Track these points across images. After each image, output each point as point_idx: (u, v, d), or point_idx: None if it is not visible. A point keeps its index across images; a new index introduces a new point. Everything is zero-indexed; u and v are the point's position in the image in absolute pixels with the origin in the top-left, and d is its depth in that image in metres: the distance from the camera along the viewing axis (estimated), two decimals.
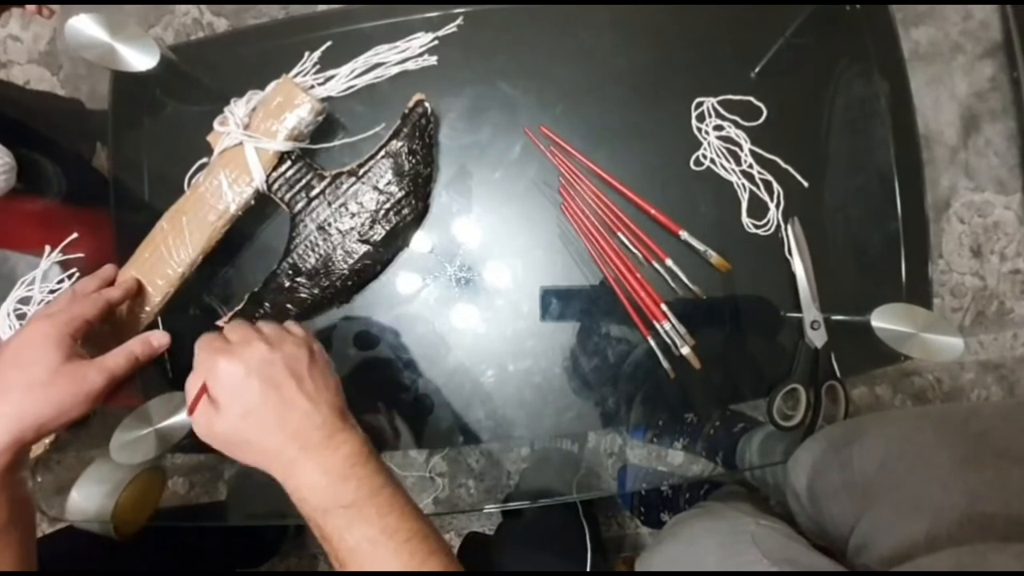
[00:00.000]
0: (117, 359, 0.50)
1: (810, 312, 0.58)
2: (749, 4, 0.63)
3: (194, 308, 0.61)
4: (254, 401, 0.42)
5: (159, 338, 0.54)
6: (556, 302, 0.61)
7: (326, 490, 0.40)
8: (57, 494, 0.61)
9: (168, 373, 0.63)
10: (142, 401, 0.59)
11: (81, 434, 0.69)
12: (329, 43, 0.62)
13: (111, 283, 0.56)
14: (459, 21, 0.62)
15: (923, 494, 0.44)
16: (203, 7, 0.93)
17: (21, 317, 0.60)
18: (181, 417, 0.59)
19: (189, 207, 0.57)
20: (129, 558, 0.65)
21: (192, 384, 0.44)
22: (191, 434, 0.59)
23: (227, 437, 0.42)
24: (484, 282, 0.61)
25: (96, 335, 0.53)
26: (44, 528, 0.64)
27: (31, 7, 0.63)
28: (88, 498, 0.59)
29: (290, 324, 0.48)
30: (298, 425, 0.42)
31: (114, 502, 0.58)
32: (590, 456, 0.70)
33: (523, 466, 0.85)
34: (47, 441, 0.59)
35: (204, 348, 0.44)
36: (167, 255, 0.56)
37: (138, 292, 0.57)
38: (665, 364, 0.58)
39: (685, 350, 0.57)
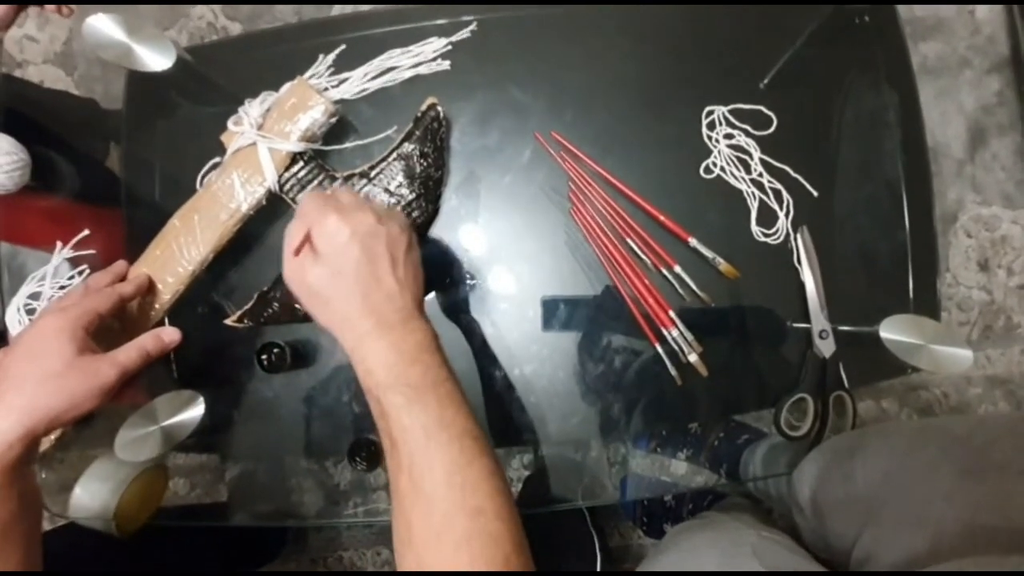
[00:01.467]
0: (129, 353, 0.50)
1: (818, 321, 0.58)
2: (766, 4, 0.64)
3: (203, 307, 0.62)
4: (349, 266, 0.42)
5: (170, 334, 0.54)
6: (562, 308, 0.61)
7: (393, 368, 0.41)
8: (60, 492, 0.61)
9: (173, 371, 0.63)
10: (147, 399, 0.59)
11: (84, 432, 0.69)
12: (343, 46, 0.62)
13: (123, 279, 0.56)
14: (472, 27, 0.62)
15: (926, 507, 0.44)
16: (217, 10, 0.94)
17: (31, 312, 0.61)
18: (186, 414, 0.59)
19: (201, 205, 0.57)
20: (130, 556, 0.65)
21: (295, 230, 0.44)
22: (194, 434, 0.59)
23: (314, 288, 0.43)
24: (491, 286, 0.61)
25: (106, 331, 0.53)
26: (45, 525, 0.64)
27: (50, 6, 0.64)
28: (92, 495, 0.59)
29: (397, 211, 0.50)
30: (380, 302, 0.43)
31: (117, 499, 0.58)
32: (594, 464, 0.69)
33: (526, 473, 0.85)
34: (52, 436, 0.59)
35: (315, 200, 0.45)
36: (178, 253, 0.57)
37: (149, 289, 0.57)
38: (672, 371, 0.58)
39: (692, 357, 0.57)
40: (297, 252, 0.44)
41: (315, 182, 0.58)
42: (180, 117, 0.65)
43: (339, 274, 0.42)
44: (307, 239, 0.44)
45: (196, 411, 0.59)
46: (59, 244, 0.60)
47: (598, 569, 0.57)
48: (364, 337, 0.42)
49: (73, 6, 0.65)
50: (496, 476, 0.40)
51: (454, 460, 0.39)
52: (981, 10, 0.86)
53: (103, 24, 0.58)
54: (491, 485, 0.39)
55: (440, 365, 0.42)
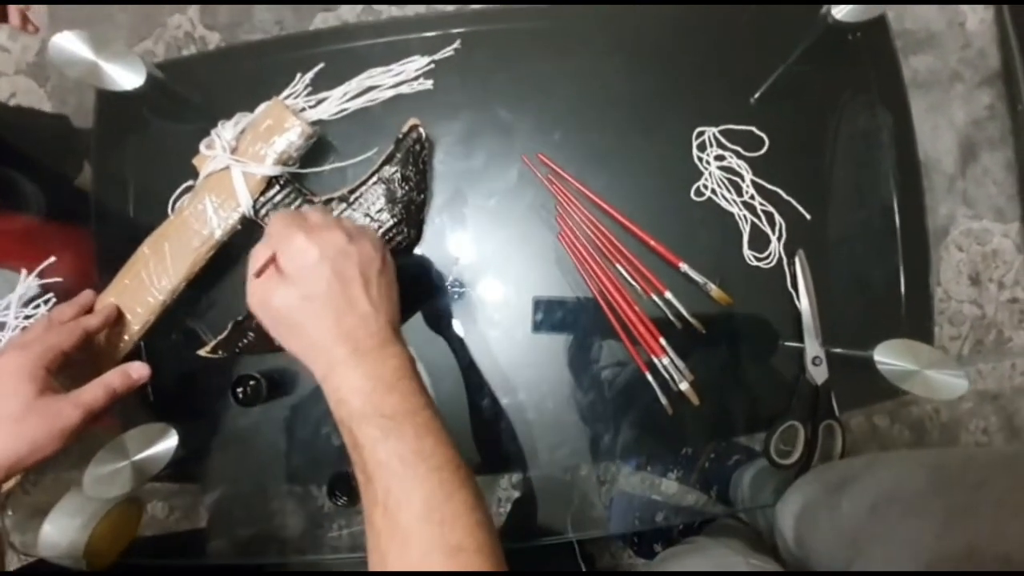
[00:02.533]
0: (95, 392, 0.47)
1: (812, 347, 0.57)
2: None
3: (177, 335, 0.59)
4: (319, 288, 0.40)
5: (139, 370, 0.51)
6: (552, 334, 0.59)
7: (369, 396, 0.38)
8: (28, 528, 0.58)
9: (150, 396, 0.61)
10: (119, 431, 0.57)
11: (56, 461, 0.67)
12: (321, 65, 0.60)
13: (89, 310, 0.54)
14: (456, 44, 0.61)
15: (917, 543, 0.43)
16: (195, 19, 0.91)
17: None
18: (158, 448, 0.57)
19: (172, 232, 0.55)
20: None
21: (260, 253, 0.42)
22: (169, 465, 0.57)
23: (282, 313, 0.41)
24: (477, 311, 0.59)
25: (72, 364, 0.50)
26: (12, 564, 0.62)
27: (15, 21, 0.61)
28: (61, 532, 0.57)
29: (369, 228, 0.48)
30: (354, 326, 0.40)
31: (88, 535, 0.56)
32: (582, 493, 0.68)
33: (515, 495, 0.83)
34: (17, 477, 0.57)
35: (282, 220, 0.42)
36: (148, 282, 0.54)
37: (117, 320, 0.54)
38: (663, 400, 0.56)
39: (684, 386, 0.56)
40: (259, 274, 0.41)
41: (292, 207, 0.56)
42: (152, 137, 0.63)
43: (308, 298, 0.40)
44: (272, 261, 0.41)
45: (168, 444, 0.57)
46: (23, 272, 0.58)
47: None
48: (337, 365, 0.39)
49: (40, 22, 0.63)
50: (477, 510, 0.38)
51: (432, 494, 0.37)
52: (972, 23, 0.85)
53: (69, 42, 0.56)
54: (472, 520, 0.37)
55: (418, 392, 0.40)
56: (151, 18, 0.93)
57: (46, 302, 0.58)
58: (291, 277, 0.40)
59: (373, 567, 0.37)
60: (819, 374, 0.57)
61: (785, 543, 0.57)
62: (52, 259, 0.58)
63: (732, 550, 0.60)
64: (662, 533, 0.84)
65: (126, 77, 0.57)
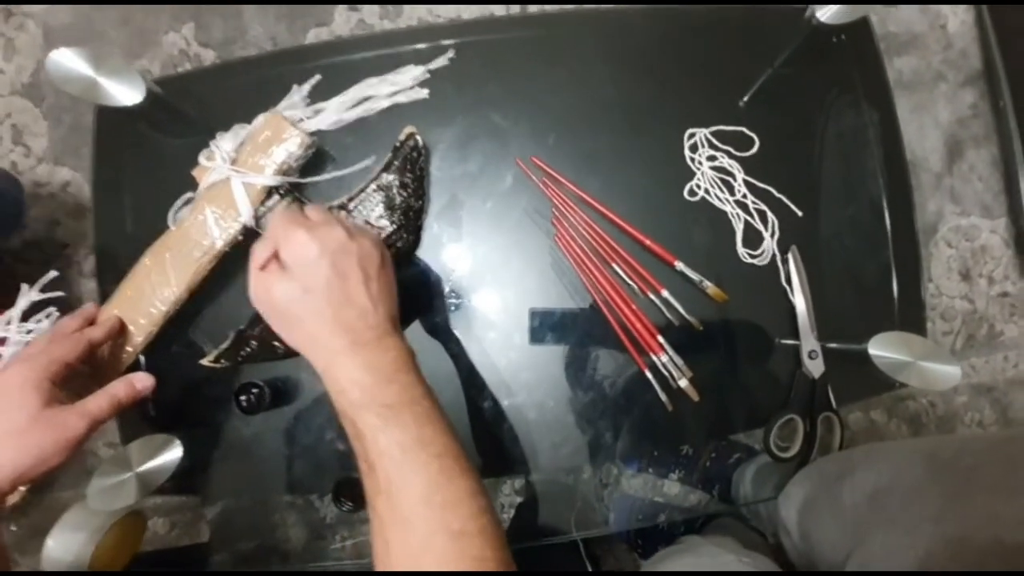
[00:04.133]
0: (99, 403, 0.48)
1: (808, 342, 0.58)
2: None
3: (178, 346, 0.60)
4: (319, 283, 0.41)
5: (143, 380, 0.52)
6: (549, 334, 0.60)
7: (368, 388, 0.39)
8: (31, 543, 0.58)
9: (150, 410, 0.61)
10: (122, 443, 0.57)
11: (60, 477, 0.66)
12: (318, 76, 0.61)
13: (92, 322, 0.54)
14: (450, 53, 0.62)
15: (914, 530, 0.43)
16: (189, 37, 0.92)
17: None
18: (162, 459, 0.57)
19: (173, 243, 0.55)
20: None
21: (261, 247, 0.43)
22: (172, 477, 0.57)
23: (282, 306, 0.42)
24: (475, 315, 0.60)
25: (75, 377, 0.51)
26: None
27: None
28: (64, 546, 0.56)
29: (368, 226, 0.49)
30: (353, 320, 0.41)
31: (92, 549, 0.56)
32: (585, 492, 0.68)
33: (517, 500, 0.83)
34: (23, 489, 0.57)
35: (283, 216, 0.43)
36: (150, 293, 0.55)
37: (120, 331, 0.55)
38: (663, 396, 0.57)
39: (683, 382, 0.56)
40: (262, 268, 0.43)
41: None
42: (151, 151, 0.64)
43: (309, 291, 0.41)
44: (275, 254, 0.42)
45: (173, 455, 0.57)
46: (24, 286, 0.58)
47: None
48: (336, 356, 0.40)
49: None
50: (479, 495, 0.38)
51: (433, 480, 0.37)
52: (953, 24, 0.87)
53: (67, 59, 0.56)
54: (474, 505, 0.38)
55: (416, 384, 0.41)
56: (145, 36, 0.93)
57: (47, 316, 0.59)
58: (292, 271, 0.41)
59: (377, 556, 0.37)
60: (816, 368, 0.58)
61: (789, 537, 0.57)
62: (53, 273, 0.58)
63: (724, 548, 0.60)
64: (665, 534, 0.85)
65: (125, 93, 0.58)
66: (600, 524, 0.68)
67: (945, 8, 0.86)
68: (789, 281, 0.59)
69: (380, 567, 0.37)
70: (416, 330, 0.60)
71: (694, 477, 0.82)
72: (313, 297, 0.41)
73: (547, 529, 0.64)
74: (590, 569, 0.59)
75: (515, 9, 0.74)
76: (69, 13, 0.91)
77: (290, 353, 0.58)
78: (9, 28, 0.90)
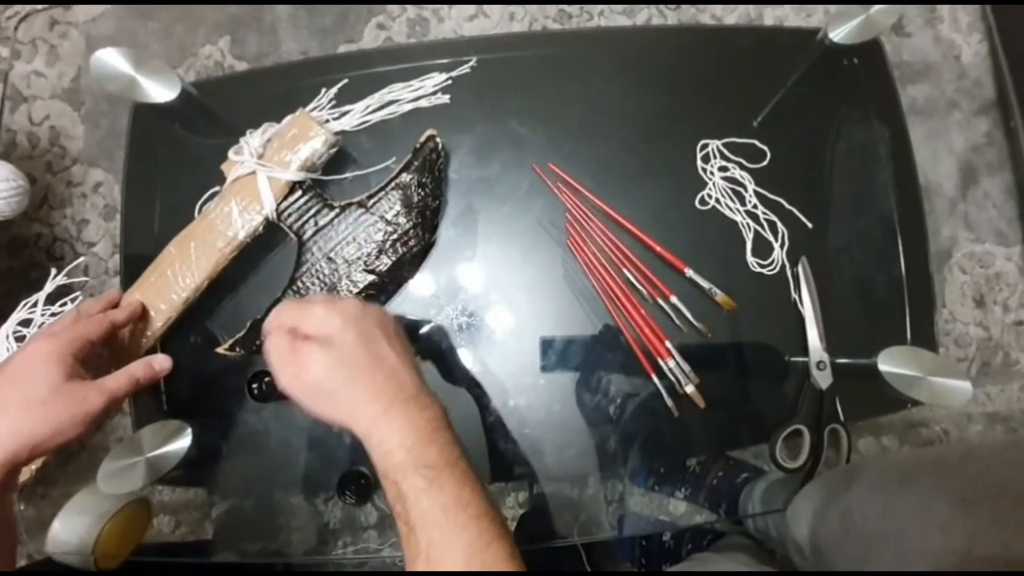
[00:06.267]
0: (118, 381, 0.49)
1: (816, 353, 0.58)
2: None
3: (195, 335, 0.61)
4: (349, 350, 0.41)
5: (161, 362, 0.53)
6: (558, 339, 0.60)
7: (412, 449, 0.39)
8: (39, 526, 0.59)
9: (163, 401, 0.62)
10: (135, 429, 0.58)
11: (68, 468, 0.67)
12: (345, 81, 0.64)
13: (115, 306, 0.56)
14: (472, 63, 0.64)
15: (923, 539, 0.43)
16: (224, 49, 0.96)
17: (20, 339, 0.60)
18: (173, 445, 0.58)
19: (198, 233, 0.57)
20: None
21: (277, 340, 0.43)
22: (179, 466, 0.58)
23: (319, 383, 0.41)
24: (487, 316, 0.61)
25: (95, 358, 0.52)
26: (21, 561, 0.62)
27: None
28: (71, 529, 0.57)
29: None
30: (387, 379, 0.41)
31: (97, 534, 0.56)
32: (590, 502, 0.68)
33: (521, 510, 0.83)
34: (34, 467, 0.58)
35: (289, 305, 0.44)
36: (172, 280, 0.57)
37: (141, 316, 0.56)
38: (669, 402, 0.57)
39: (690, 388, 0.57)
40: (293, 353, 0.42)
41: (313, 210, 0.58)
42: (183, 148, 0.66)
43: (340, 363, 0.41)
44: (299, 336, 0.42)
45: (183, 442, 0.58)
46: (52, 271, 0.60)
47: None
48: (378, 419, 0.40)
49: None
50: (514, 559, 0.39)
51: (473, 543, 0.37)
52: (967, 55, 0.88)
53: (110, 57, 0.60)
54: (511, 567, 0.38)
55: (454, 442, 0.41)
56: (184, 48, 0.98)
57: (72, 300, 0.61)
58: (322, 345, 0.41)
59: None
60: (823, 379, 0.58)
61: (799, 550, 0.56)
62: (81, 259, 0.60)
63: (738, 563, 0.59)
64: (671, 553, 0.83)
65: (161, 91, 0.61)
66: (606, 530, 0.68)
67: (959, 38, 0.88)
68: (798, 291, 0.59)
69: None
70: (425, 331, 0.61)
71: (700, 496, 0.81)
72: (346, 366, 0.41)
73: (550, 536, 0.64)
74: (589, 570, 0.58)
75: (537, 26, 0.77)
76: (112, 23, 0.96)
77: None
78: (53, 36, 0.95)
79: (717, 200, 0.61)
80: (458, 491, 0.39)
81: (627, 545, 0.85)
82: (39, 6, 0.96)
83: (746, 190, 0.61)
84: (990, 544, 0.39)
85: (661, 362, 0.57)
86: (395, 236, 0.58)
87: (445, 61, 0.65)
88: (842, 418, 0.57)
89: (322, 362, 0.41)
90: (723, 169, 0.61)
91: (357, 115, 0.62)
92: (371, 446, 0.41)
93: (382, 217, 0.58)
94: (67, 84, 0.96)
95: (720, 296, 0.58)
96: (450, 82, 0.64)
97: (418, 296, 0.61)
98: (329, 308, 0.42)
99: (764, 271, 0.60)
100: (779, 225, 0.60)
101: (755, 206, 0.60)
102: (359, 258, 0.58)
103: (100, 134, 0.93)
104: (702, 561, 0.65)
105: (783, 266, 0.60)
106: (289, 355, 0.42)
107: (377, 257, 0.58)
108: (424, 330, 0.61)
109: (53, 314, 0.60)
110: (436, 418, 0.41)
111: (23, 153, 0.92)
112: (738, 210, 0.61)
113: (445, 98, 0.63)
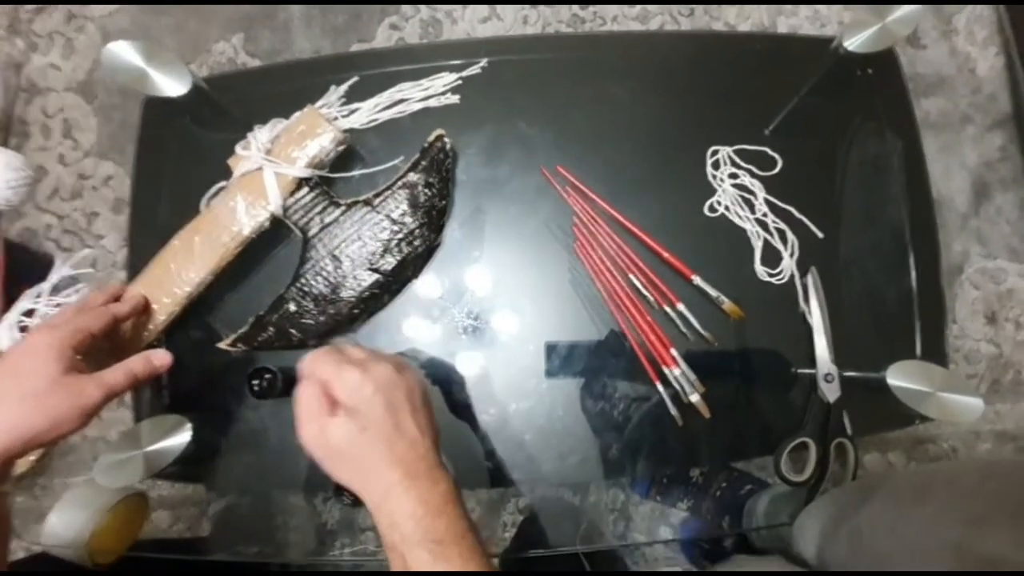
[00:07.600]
0: (116, 375, 0.49)
1: (824, 365, 0.57)
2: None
3: (197, 330, 0.61)
4: (374, 419, 0.41)
5: (161, 357, 0.53)
6: (562, 344, 0.60)
7: (420, 521, 0.39)
8: (34, 519, 0.58)
9: (164, 396, 0.62)
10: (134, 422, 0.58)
11: (68, 458, 0.67)
12: (355, 78, 0.64)
13: (118, 299, 0.56)
14: (483, 63, 0.64)
15: (938, 559, 0.42)
16: (237, 46, 0.96)
17: (23, 330, 0.60)
18: (172, 440, 0.57)
19: (203, 227, 0.57)
20: None
21: (309, 394, 0.42)
22: (177, 461, 0.58)
23: (337, 448, 0.41)
24: (492, 319, 0.60)
25: (96, 350, 0.52)
26: (16, 554, 0.61)
27: None
28: (66, 522, 0.57)
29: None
30: (405, 452, 0.41)
31: (92, 528, 0.56)
32: (592, 510, 0.67)
33: (520, 518, 0.82)
34: (32, 458, 0.58)
35: (327, 358, 0.43)
36: (176, 274, 0.56)
37: (144, 309, 0.56)
38: (673, 410, 0.56)
39: (695, 397, 0.56)
40: (322, 412, 0.42)
41: (319, 208, 0.58)
42: (192, 143, 0.66)
43: (365, 430, 0.41)
44: (328, 396, 0.42)
45: (182, 437, 0.57)
46: (57, 261, 0.60)
47: None
48: (391, 489, 0.40)
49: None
50: None
51: None
52: (982, 68, 0.88)
53: (122, 50, 0.60)
54: None
55: (463, 516, 0.41)
56: (197, 44, 0.98)
57: (76, 291, 0.61)
58: (349, 411, 0.41)
59: None
60: (831, 391, 0.57)
61: (807, 565, 0.55)
62: (87, 250, 0.60)
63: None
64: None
65: (172, 85, 0.61)
66: (608, 538, 0.67)
67: (974, 51, 0.87)
68: (807, 302, 0.58)
69: None
70: (429, 333, 0.60)
71: (703, 507, 0.80)
72: (368, 435, 0.41)
73: (551, 544, 0.63)
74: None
75: (550, 30, 0.77)
76: (127, 19, 0.96)
77: (306, 342, 0.59)
78: (70, 29, 0.95)
79: (726, 207, 0.60)
80: (464, 566, 0.39)
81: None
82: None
83: (756, 198, 0.60)
84: (1010, 564, 0.38)
85: (666, 370, 0.57)
86: (401, 236, 0.58)
87: (456, 62, 0.65)
88: (849, 432, 0.56)
89: (346, 429, 0.41)
90: (733, 176, 0.61)
91: (366, 113, 0.62)
92: (379, 516, 0.41)
93: (388, 216, 0.58)
94: (82, 77, 0.97)
95: (727, 304, 0.57)
96: (460, 82, 0.63)
97: (423, 297, 0.61)
98: (364, 375, 0.42)
99: (773, 280, 0.59)
100: (789, 234, 0.60)
101: (765, 214, 0.60)
102: (364, 257, 0.57)
103: (112, 128, 0.94)
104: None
105: (792, 276, 0.59)
106: (316, 412, 0.42)
107: (382, 256, 0.57)
108: (427, 327, 0.60)
109: (57, 305, 0.60)
110: (447, 492, 0.41)
111: (36, 145, 0.92)
112: (747, 218, 0.60)
113: (455, 98, 0.63)
